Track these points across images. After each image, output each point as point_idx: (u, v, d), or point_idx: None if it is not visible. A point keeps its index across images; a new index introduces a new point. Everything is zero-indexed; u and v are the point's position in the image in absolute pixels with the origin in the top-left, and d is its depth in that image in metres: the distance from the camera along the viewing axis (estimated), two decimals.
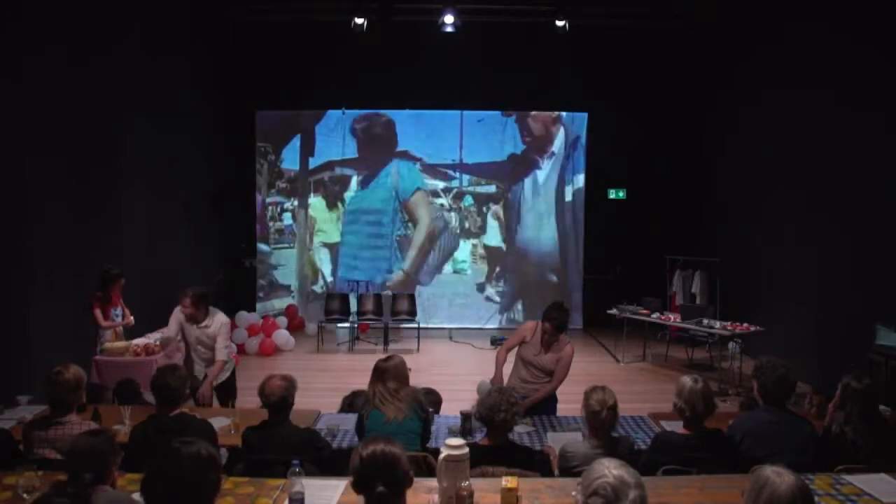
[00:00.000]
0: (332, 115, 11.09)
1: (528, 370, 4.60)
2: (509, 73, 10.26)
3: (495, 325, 11.02)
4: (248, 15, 10.20)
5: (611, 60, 10.30)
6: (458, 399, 4.57)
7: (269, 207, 11.27)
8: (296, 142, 11.24)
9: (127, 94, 7.55)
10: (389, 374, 3.59)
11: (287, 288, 11.30)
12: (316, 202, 11.28)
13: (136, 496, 2.23)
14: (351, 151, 11.10)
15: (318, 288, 11.25)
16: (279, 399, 3.30)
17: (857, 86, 6.67)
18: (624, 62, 10.30)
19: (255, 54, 10.44)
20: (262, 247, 11.26)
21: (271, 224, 11.29)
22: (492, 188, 11.26)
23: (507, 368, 4.74)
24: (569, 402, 4.42)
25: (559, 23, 9.55)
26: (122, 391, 4.61)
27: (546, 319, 4.52)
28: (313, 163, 11.27)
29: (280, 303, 11.10)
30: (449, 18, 9.57)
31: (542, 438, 3.90)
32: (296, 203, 11.28)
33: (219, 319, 4.90)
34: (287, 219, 11.31)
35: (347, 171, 11.22)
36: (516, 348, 4.74)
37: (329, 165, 11.24)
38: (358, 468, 2.18)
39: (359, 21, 9.58)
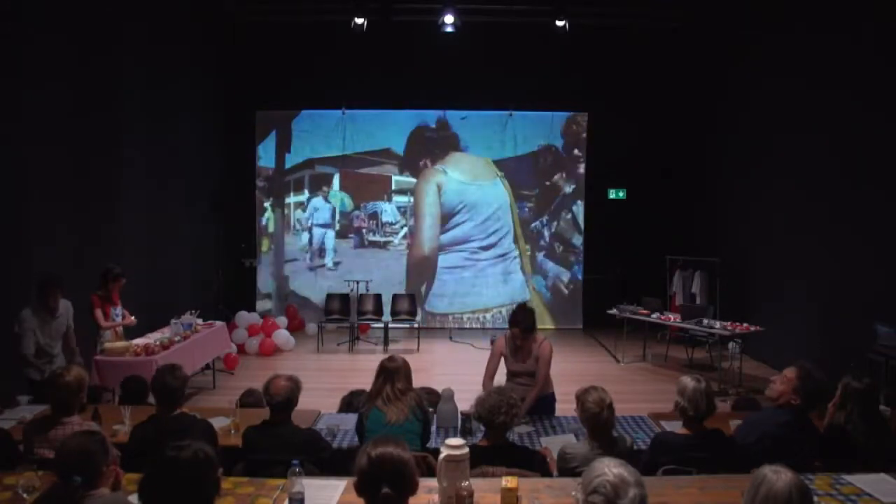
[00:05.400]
0: (330, 114, 11.02)
1: (518, 381, 4.47)
2: (509, 73, 10.26)
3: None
4: (248, 14, 10.21)
5: (611, 60, 10.30)
6: (457, 399, 4.55)
7: None
8: (272, 138, 11.12)
9: (127, 93, 7.56)
10: (400, 374, 3.59)
11: (267, 294, 11.20)
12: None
13: (133, 498, 2.18)
14: (351, 149, 11.02)
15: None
16: (284, 399, 3.31)
17: (858, 85, 6.66)
18: (624, 62, 10.30)
19: (256, 53, 10.45)
20: None
21: None
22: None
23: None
24: (570, 401, 4.39)
25: (559, 23, 9.56)
26: (129, 389, 4.57)
27: (513, 325, 4.42)
28: (290, 160, 11.13)
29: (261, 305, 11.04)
30: (449, 18, 9.58)
31: (539, 440, 3.89)
32: (271, 202, 11.19)
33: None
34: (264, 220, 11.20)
35: (328, 170, 11.10)
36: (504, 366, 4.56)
37: (309, 163, 11.09)
38: (365, 468, 2.10)
39: (359, 21, 9.59)
